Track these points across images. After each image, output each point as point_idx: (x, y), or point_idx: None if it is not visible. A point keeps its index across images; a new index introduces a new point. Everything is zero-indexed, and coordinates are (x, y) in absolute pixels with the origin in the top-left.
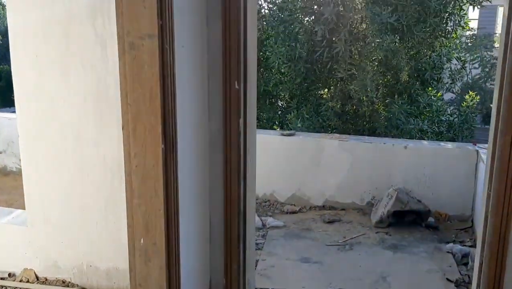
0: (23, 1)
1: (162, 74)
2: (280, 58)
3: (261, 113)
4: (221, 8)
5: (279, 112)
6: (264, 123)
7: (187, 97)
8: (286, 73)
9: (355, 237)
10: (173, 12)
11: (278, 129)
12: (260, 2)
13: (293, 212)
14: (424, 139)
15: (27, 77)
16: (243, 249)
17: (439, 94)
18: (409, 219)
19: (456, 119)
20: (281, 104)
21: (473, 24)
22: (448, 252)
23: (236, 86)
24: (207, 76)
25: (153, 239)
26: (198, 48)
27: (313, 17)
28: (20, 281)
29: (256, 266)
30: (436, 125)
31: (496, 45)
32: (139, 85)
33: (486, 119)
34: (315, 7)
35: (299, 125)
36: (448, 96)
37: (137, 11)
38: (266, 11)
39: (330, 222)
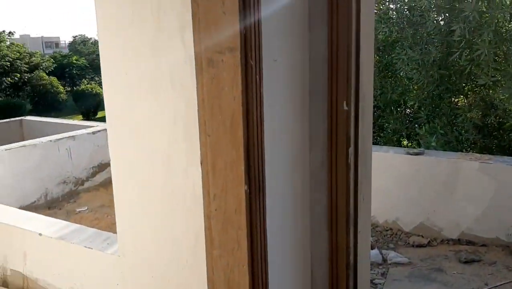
0: (112, 17)
1: (245, 96)
2: (408, 64)
3: (387, 124)
4: (327, 9)
5: (407, 122)
6: (389, 134)
7: (279, 124)
8: (415, 80)
9: (500, 285)
10: (260, 17)
11: (406, 141)
12: (386, 3)
13: (421, 246)
14: None
15: (116, 97)
16: None
17: None
18: None
19: None
20: (409, 112)
21: None
22: None
23: (345, 107)
24: (308, 95)
25: None
26: (297, 61)
27: (447, 15)
28: None
29: None
30: None
31: None
32: (219, 111)
33: None
34: (453, 3)
35: (433, 144)
36: None
37: (215, 17)
38: (392, 12)
39: (468, 262)
